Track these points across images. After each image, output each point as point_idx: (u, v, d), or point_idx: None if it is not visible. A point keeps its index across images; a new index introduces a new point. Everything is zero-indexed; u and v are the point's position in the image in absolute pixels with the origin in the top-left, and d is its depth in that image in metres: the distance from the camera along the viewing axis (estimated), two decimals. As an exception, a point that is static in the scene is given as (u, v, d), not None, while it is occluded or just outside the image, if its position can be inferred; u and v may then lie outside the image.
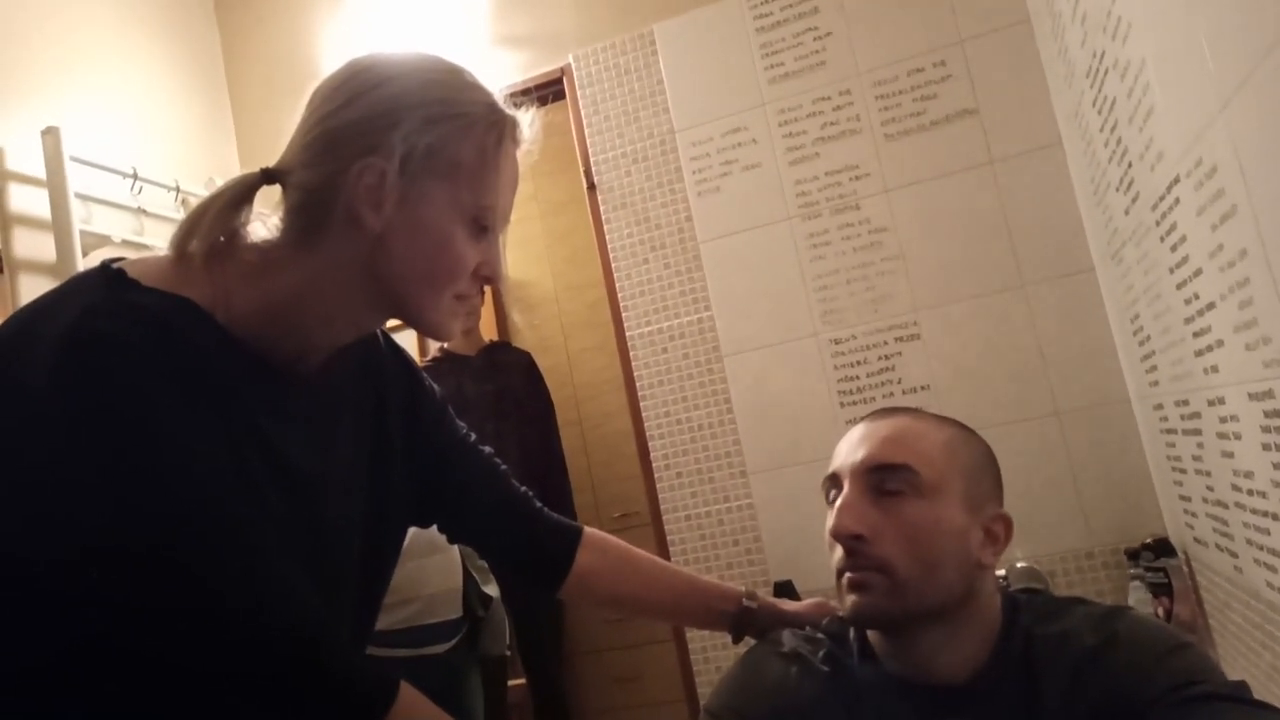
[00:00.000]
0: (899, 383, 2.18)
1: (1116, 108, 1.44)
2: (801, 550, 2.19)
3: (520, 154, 0.86)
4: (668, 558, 2.29)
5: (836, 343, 2.24)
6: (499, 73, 2.60)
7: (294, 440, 0.79)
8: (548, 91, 2.58)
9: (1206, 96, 1.02)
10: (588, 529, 1.06)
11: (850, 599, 0.87)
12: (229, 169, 2.79)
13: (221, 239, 0.78)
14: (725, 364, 2.32)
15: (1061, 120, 2.05)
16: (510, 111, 0.85)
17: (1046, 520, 2.04)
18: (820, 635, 0.98)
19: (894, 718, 0.87)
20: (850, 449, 0.91)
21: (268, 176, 0.81)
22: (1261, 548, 1.23)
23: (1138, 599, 1.91)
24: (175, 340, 0.69)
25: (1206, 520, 1.53)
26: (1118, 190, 1.58)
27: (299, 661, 0.68)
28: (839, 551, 0.88)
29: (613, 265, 2.44)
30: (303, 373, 0.82)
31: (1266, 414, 1.07)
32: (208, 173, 2.64)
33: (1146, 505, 1.99)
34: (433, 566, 1.74)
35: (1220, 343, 1.19)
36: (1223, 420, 1.26)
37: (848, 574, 0.87)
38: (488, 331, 3.21)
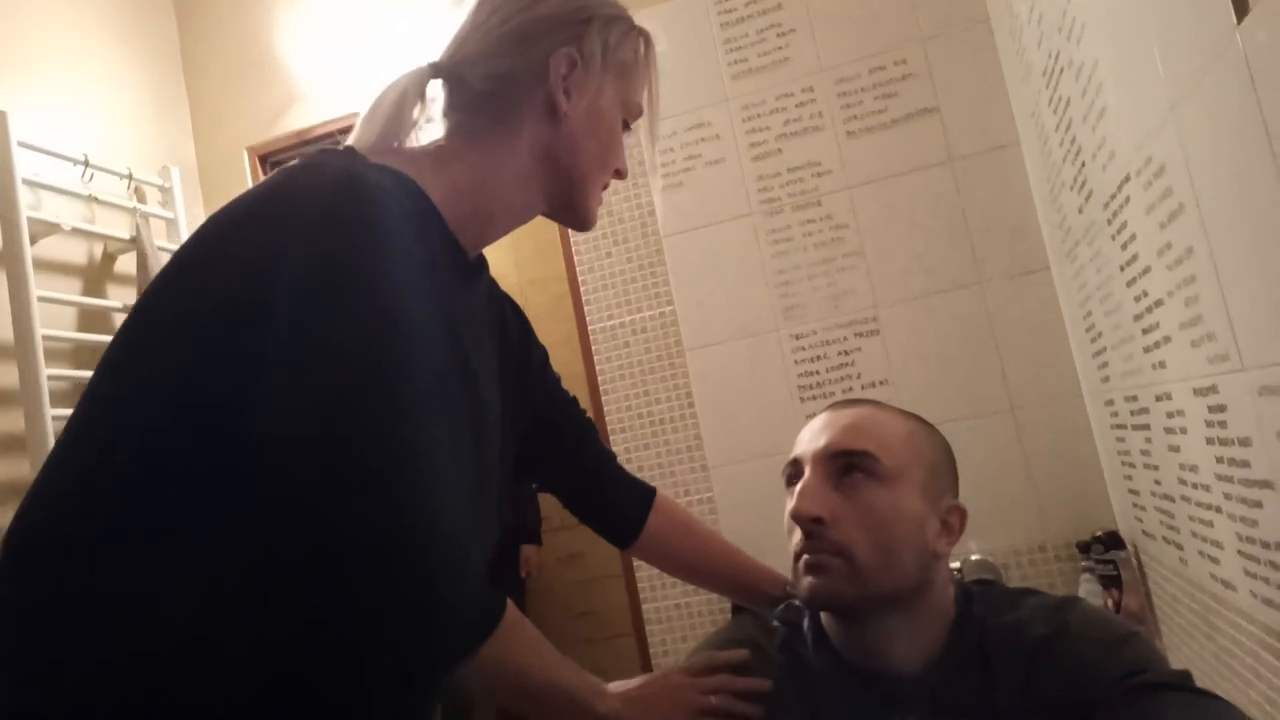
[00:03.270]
0: (858, 378, 2.20)
1: (1071, 107, 1.47)
2: (762, 544, 2.18)
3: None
4: (631, 560, 2.29)
5: (797, 338, 2.25)
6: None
7: (470, 333, 0.81)
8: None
9: (1156, 97, 1.05)
10: (660, 493, 1.11)
11: (807, 581, 0.87)
12: (184, 157, 2.74)
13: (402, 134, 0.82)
14: (687, 358, 2.32)
15: (1019, 120, 2.08)
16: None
17: (1001, 514, 2.08)
18: (775, 623, 0.99)
19: (848, 706, 0.88)
20: (812, 436, 0.92)
21: (437, 70, 0.85)
22: (1205, 540, 1.26)
23: (1088, 591, 1.95)
24: (422, 203, 0.74)
25: (1154, 513, 1.57)
26: (1071, 189, 1.61)
27: (439, 571, 0.63)
28: (797, 535, 0.89)
29: (575, 258, 2.43)
30: (471, 268, 0.86)
31: (1210, 409, 1.09)
32: (161, 160, 2.59)
33: (1097, 499, 2.03)
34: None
35: (1167, 339, 1.21)
36: (1170, 415, 1.29)
37: (805, 556, 0.87)
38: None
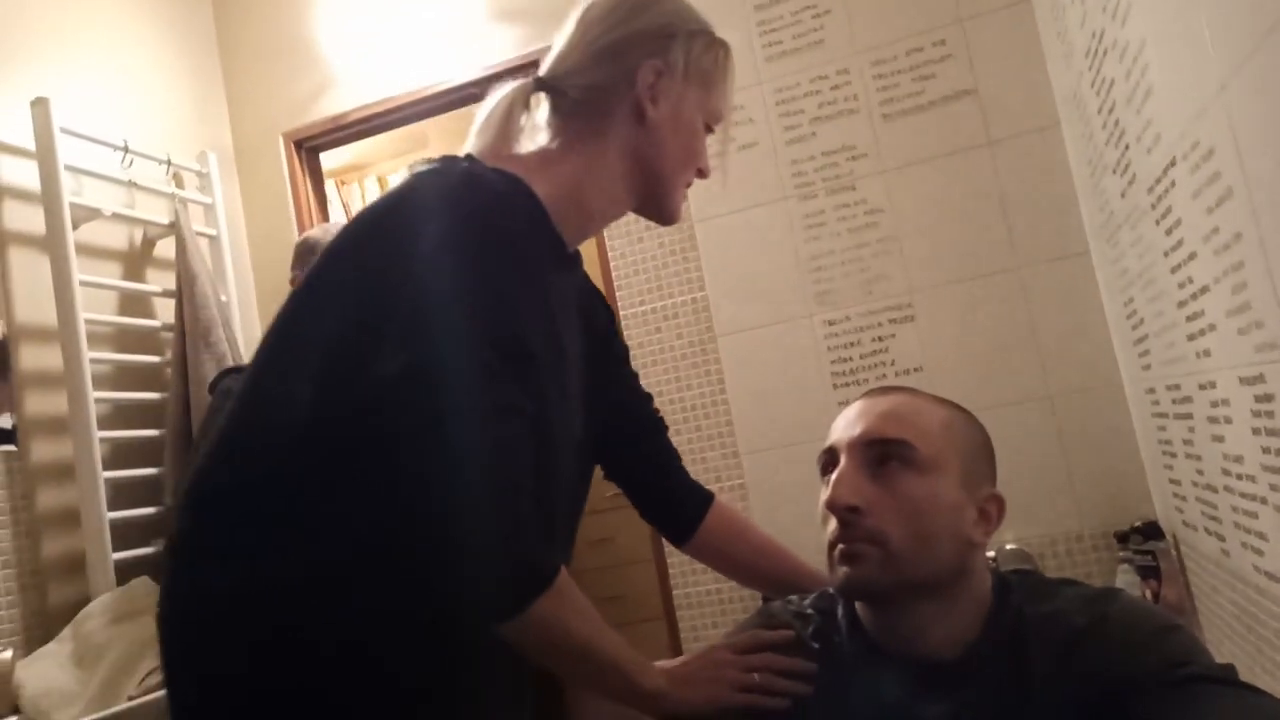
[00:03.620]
0: (892, 364, 2.18)
1: (1114, 89, 1.43)
2: (793, 531, 2.17)
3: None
4: (661, 541, 2.30)
5: (830, 324, 2.23)
6: (494, 48, 2.58)
7: (565, 321, 0.92)
8: (543, 67, 2.55)
9: (1205, 78, 1.02)
10: (718, 499, 1.16)
11: (842, 570, 0.86)
12: (221, 142, 2.77)
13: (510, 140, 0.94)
14: (719, 344, 2.31)
15: (1060, 101, 2.04)
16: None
17: (1037, 502, 2.05)
18: (809, 610, 0.98)
19: (883, 693, 0.87)
20: (848, 424, 0.91)
21: (540, 84, 0.96)
22: (1249, 531, 1.23)
23: (1126, 581, 1.92)
24: (531, 201, 0.85)
25: (1195, 504, 1.54)
26: (1114, 173, 1.58)
27: (500, 523, 0.75)
28: (832, 524, 0.88)
29: (607, 244, 2.42)
30: (570, 260, 0.96)
31: (1257, 398, 1.07)
32: (199, 146, 2.62)
33: (1136, 489, 2.00)
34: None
35: (1212, 327, 1.19)
36: (1214, 405, 1.27)
37: (841, 545, 0.86)
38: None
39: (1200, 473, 1.45)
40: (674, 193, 0.99)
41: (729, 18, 2.31)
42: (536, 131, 0.96)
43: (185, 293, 2.25)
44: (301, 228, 2.70)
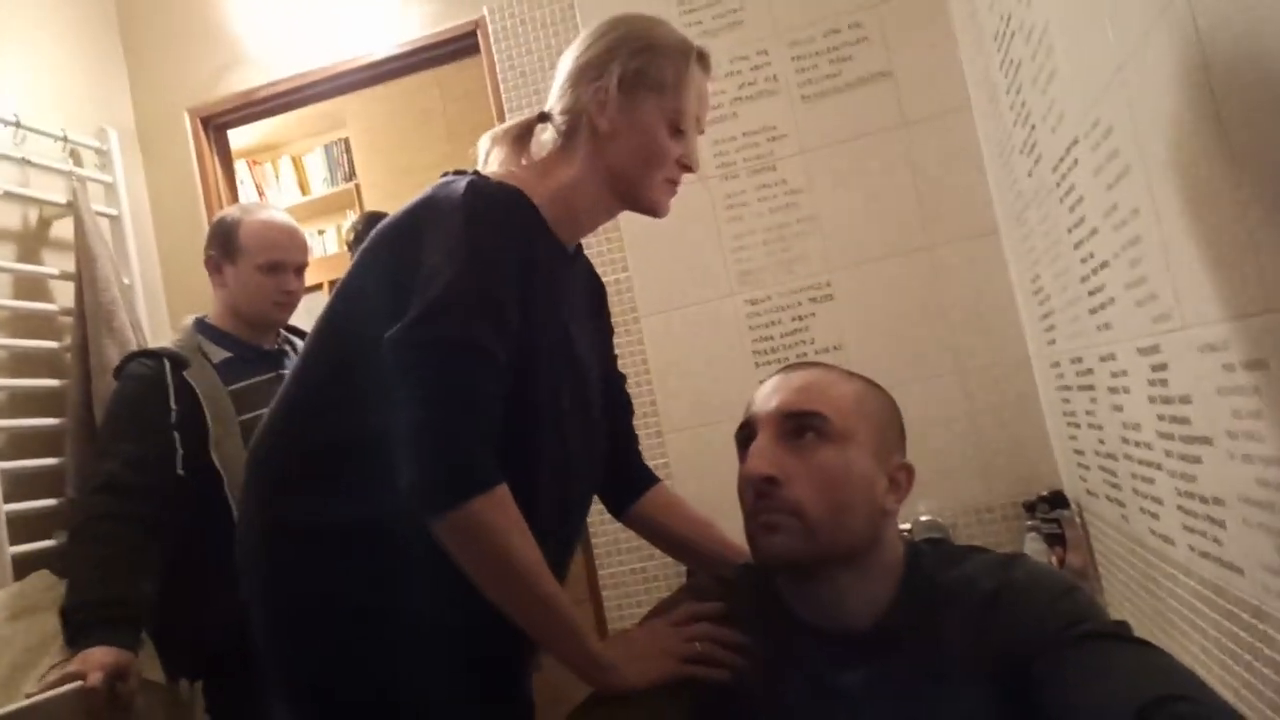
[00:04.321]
0: (812, 343, 2.22)
1: (1021, 70, 1.47)
2: (718, 509, 2.20)
3: (708, 79, 1.19)
4: (587, 526, 2.30)
5: (752, 303, 2.26)
6: (409, 26, 2.52)
7: (569, 308, 1.13)
8: (460, 46, 2.51)
9: (1104, 59, 1.05)
10: (660, 483, 1.31)
11: (762, 541, 0.89)
12: (122, 119, 2.65)
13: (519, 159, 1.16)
14: (642, 324, 2.32)
15: (971, 84, 2.09)
16: (696, 44, 1.17)
17: (948, 475, 2.11)
18: (733, 583, 1.01)
19: (802, 663, 0.91)
20: (764, 398, 0.95)
21: (541, 116, 1.17)
22: (1146, 496, 1.29)
23: (1033, 549, 2.00)
24: (524, 205, 1.06)
25: (1098, 472, 1.60)
26: (1022, 153, 1.62)
27: (452, 436, 0.93)
28: (750, 496, 0.91)
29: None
30: (569, 255, 1.17)
31: (1153, 368, 1.11)
32: (99, 122, 2.50)
33: (1043, 459, 2.08)
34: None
35: (1112, 300, 1.24)
36: (1114, 375, 1.32)
37: (760, 516, 0.89)
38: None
39: (1102, 442, 1.51)
40: (647, 189, 1.14)
41: (649, -4, 2.30)
42: (541, 150, 1.17)
43: (85, 275, 2.14)
44: (210, 208, 2.60)
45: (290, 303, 1.83)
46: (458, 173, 1.11)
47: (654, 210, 1.17)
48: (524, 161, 1.16)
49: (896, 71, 2.18)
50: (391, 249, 1.05)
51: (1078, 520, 1.91)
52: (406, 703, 1.01)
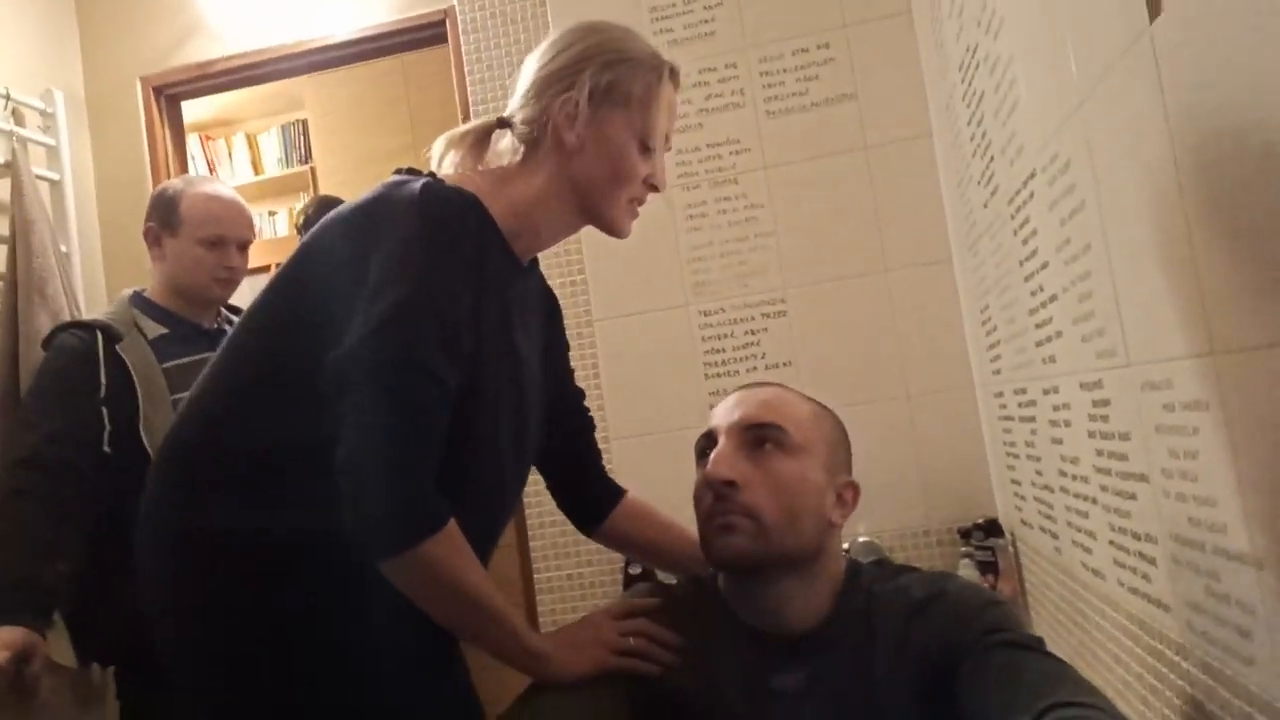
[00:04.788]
0: (763, 357, 2.22)
1: (984, 101, 1.49)
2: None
3: (676, 95, 1.16)
4: (524, 524, 2.28)
5: (706, 314, 2.25)
6: (376, 9, 2.48)
7: (518, 324, 1.08)
8: (427, 34, 2.48)
9: (1066, 93, 1.07)
10: (627, 495, 1.27)
11: (718, 541, 0.95)
12: (71, 82, 2.56)
13: (475, 165, 1.10)
14: (595, 329, 2.30)
15: (934, 112, 2.11)
16: (667, 59, 1.13)
17: (889, 498, 2.13)
18: (677, 589, 1.08)
19: (741, 664, 0.97)
20: (728, 410, 1.02)
21: (500, 122, 1.11)
22: (1080, 530, 1.31)
23: (966, 575, 2.02)
24: (480, 215, 1.01)
25: (1033, 503, 1.62)
26: (979, 183, 1.64)
27: (398, 473, 0.89)
28: (709, 499, 0.97)
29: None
30: (523, 269, 1.11)
31: (1095, 403, 1.13)
32: (45, 83, 2.40)
33: (980, 488, 2.10)
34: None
35: (1059, 334, 1.25)
36: (1055, 409, 1.34)
37: (717, 518, 0.95)
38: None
39: (1039, 474, 1.53)
40: (609, 207, 1.10)
41: (620, 2, 2.30)
42: (499, 158, 1.12)
43: (20, 240, 2.06)
44: (157, 179, 2.52)
45: (232, 279, 1.77)
46: (410, 171, 1.06)
47: (616, 230, 1.12)
48: (480, 168, 1.11)
49: (861, 95, 2.20)
50: (340, 247, 1.00)
51: (1011, 549, 1.93)
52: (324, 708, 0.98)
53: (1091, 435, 1.16)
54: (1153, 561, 1.01)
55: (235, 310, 1.87)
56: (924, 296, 2.15)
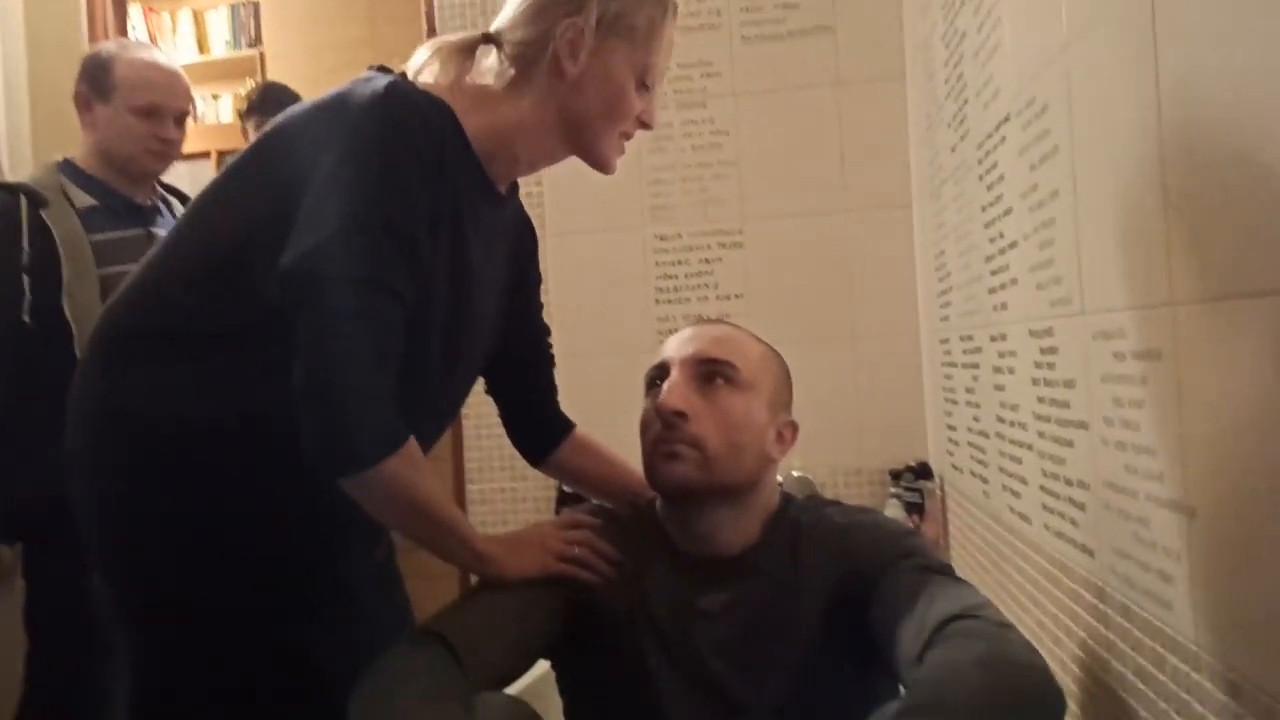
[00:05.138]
0: (715, 288, 2.21)
1: (965, 41, 1.47)
2: (604, 439, 2.20)
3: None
4: (461, 436, 2.26)
5: (662, 239, 2.23)
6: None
7: (478, 242, 1.03)
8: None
9: (1050, 37, 1.05)
10: (575, 429, 1.27)
11: (664, 467, 1.00)
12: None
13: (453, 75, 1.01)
14: (548, 244, 2.23)
15: (910, 53, 2.09)
16: None
17: (826, 435, 2.15)
18: (617, 514, 1.13)
19: (671, 583, 1.02)
20: (681, 344, 1.05)
21: (486, 37, 1.04)
22: (1011, 475, 1.34)
23: (892, 515, 2.07)
24: (444, 120, 0.96)
25: (967, 448, 1.66)
26: (949, 126, 1.63)
27: (358, 391, 0.88)
28: (657, 427, 1.01)
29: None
30: (496, 194, 1.06)
31: (1042, 350, 1.14)
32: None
33: (915, 431, 2.15)
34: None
35: (1014, 281, 1.26)
36: (1001, 355, 1.35)
37: (663, 446, 0.99)
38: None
39: (976, 420, 1.56)
40: (600, 142, 1.05)
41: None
42: (481, 76, 1.04)
43: (-62, 94, 1.92)
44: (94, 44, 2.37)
45: (167, 153, 1.68)
46: (382, 69, 1.01)
47: (603, 165, 1.08)
48: (461, 83, 1.03)
49: (839, 28, 2.16)
50: (299, 143, 0.96)
51: (939, 493, 1.98)
52: (244, 587, 0.98)
53: (1035, 383, 1.18)
54: (1082, 507, 1.03)
55: (172, 190, 1.79)
56: (881, 240, 2.16)
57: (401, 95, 0.94)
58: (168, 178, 1.77)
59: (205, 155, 3.50)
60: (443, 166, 0.95)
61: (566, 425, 1.27)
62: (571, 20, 0.99)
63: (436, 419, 1.10)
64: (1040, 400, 1.17)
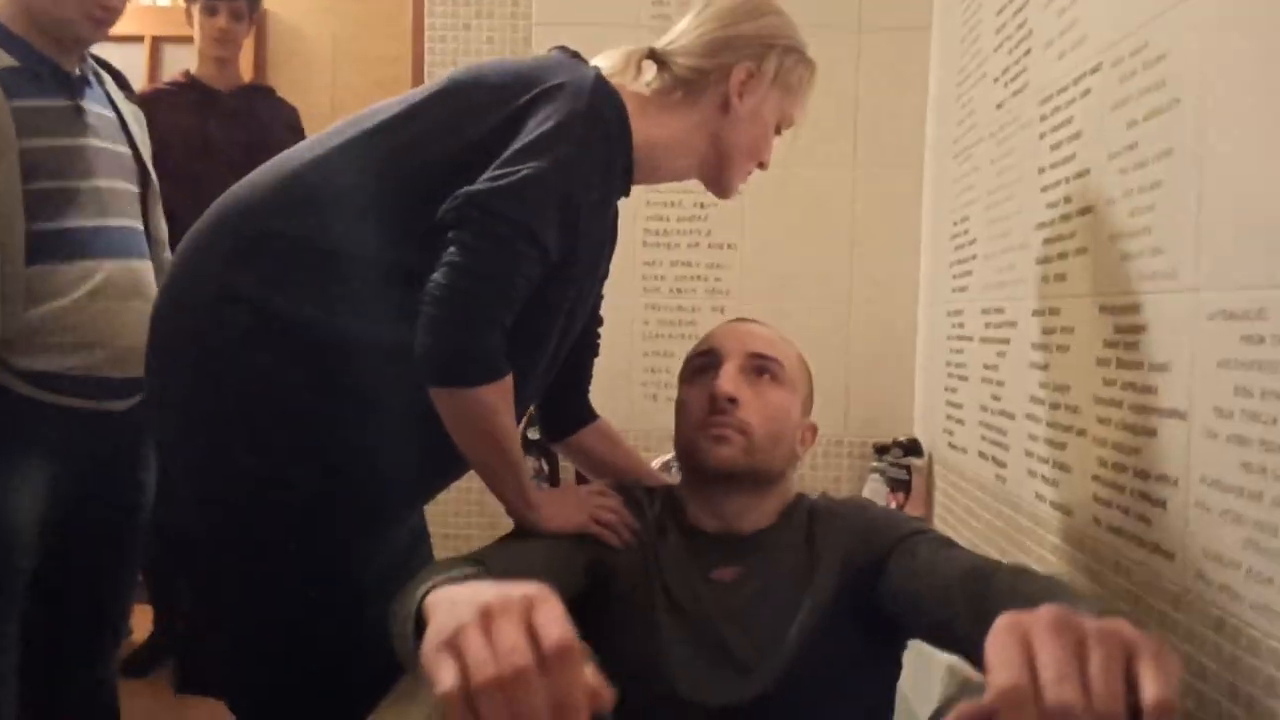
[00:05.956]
0: (708, 234, 2.07)
1: (1036, -15, 1.34)
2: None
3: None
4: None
5: (653, 178, 2.06)
6: None
7: (607, 238, 1.16)
8: None
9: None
10: (602, 420, 1.33)
11: (711, 448, 1.05)
12: None
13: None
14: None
15: (939, 2, 1.95)
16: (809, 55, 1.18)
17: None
18: (641, 492, 1.17)
19: (689, 556, 1.07)
20: (735, 337, 1.13)
21: (652, 54, 1.13)
22: (1044, 460, 1.25)
23: (873, 490, 1.98)
24: (627, 129, 1.04)
25: (977, 429, 1.56)
26: (996, 81, 1.50)
27: (490, 318, 0.94)
28: (706, 409, 1.07)
29: (426, 25, 2.07)
30: (627, 194, 1.14)
31: (1119, 328, 1.03)
32: None
33: (902, 406, 2.05)
34: (132, 314, 1.40)
35: (1081, 250, 1.15)
36: (1048, 332, 1.25)
37: (713, 429, 1.06)
38: (246, 71, 2.70)
39: (996, 399, 1.46)
40: (736, 175, 1.18)
41: None
42: (636, 85, 1.11)
43: None
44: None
45: (105, 20, 1.43)
46: (574, 55, 1.11)
47: (727, 194, 1.21)
48: (625, 89, 1.08)
49: (864, -31, 2.01)
50: (503, 95, 1.01)
51: (928, 472, 1.89)
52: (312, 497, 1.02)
53: (1102, 363, 1.07)
54: (1160, 504, 0.93)
55: (105, 65, 1.55)
56: (888, 201, 2.04)
57: (608, 93, 1.02)
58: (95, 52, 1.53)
59: (139, 39, 3.17)
60: (614, 169, 1.04)
61: (594, 414, 1.33)
62: (749, 65, 1.10)
63: (535, 380, 1.13)
64: (1107, 383, 1.06)
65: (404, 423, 0.99)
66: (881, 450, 1.98)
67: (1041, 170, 1.29)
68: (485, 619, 0.55)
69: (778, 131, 1.20)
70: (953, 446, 1.72)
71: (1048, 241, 1.26)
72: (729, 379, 1.06)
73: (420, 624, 0.68)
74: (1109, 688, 0.48)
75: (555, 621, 0.56)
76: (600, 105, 0.99)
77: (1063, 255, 1.21)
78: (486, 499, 1.61)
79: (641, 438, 2.13)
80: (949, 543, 0.99)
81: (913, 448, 1.91)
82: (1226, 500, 0.82)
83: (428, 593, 0.71)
